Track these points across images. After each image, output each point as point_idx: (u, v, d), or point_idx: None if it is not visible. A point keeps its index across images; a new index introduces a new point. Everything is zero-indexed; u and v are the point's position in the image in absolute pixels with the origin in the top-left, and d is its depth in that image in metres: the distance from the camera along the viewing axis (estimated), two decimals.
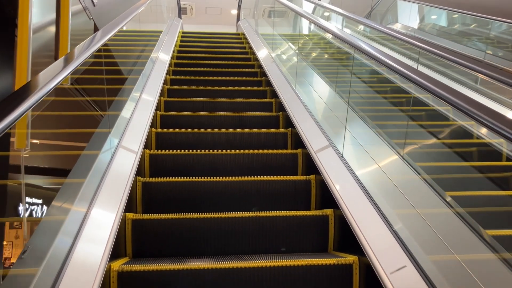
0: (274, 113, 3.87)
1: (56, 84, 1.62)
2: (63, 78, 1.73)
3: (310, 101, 3.63)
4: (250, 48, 6.31)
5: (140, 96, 3.57)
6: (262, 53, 5.60)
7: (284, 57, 5.12)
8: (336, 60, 4.19)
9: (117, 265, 1.88)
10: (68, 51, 3.58)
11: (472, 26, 4.92)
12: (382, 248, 1.84)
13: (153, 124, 3.48)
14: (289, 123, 3.56)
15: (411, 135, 2.37)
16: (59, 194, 1.99)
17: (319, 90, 3.89)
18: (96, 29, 4.66)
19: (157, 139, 3.30)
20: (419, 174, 2.10)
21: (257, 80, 4.84)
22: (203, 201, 2.61)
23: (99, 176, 2.25)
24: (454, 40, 5.13)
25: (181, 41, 6.73)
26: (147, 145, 3.13)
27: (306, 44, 4.91)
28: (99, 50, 2.44)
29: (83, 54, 2.12)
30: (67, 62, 1.94)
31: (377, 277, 1.74)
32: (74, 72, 1.92)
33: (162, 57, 5.02)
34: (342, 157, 2.60)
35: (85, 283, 1.59)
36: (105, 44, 2.59)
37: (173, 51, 5.71)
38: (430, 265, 1.66)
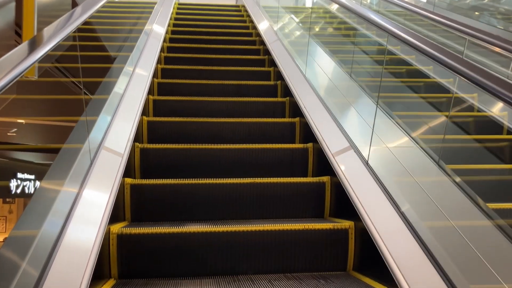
0: (272, 83, 3.85)
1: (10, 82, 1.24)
2: (22, 72, 1.33)
3: (316, 82, 3.45)
4: (251, 21, 5.94)
5: (136, 67, 3.53)
6: (263, 26, 5.34)
7: (291, 35, 4.78)
8: (338, 31, 4.09)
9: (117, 228, 1.91)
10: (35, 33, 2.83)
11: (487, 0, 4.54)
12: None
13: (150, 92, 3.45)
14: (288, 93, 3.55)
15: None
16: (58, 158, 1.99)
17: (323, 64, 3.77)
18: (75, 4, 3.91)
19: (155, 107, 3.28)
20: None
21: (260, 59, 4.58)
22: (201, 167, 2.63)
23: (98, 141, 2.25)
24: (468, 15, 4.72)
25: (177, 13, 6.42)
26: (144, 113, 3.11)
27: (315, 19, 4.69)
28: (80, 30, 2.07)
29: (55, 36, 1.70)
30: (32, 47, 1.54)
31: (372, 242, 1.78)
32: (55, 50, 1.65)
33: (156, 29, 4.81)
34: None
35: (85, 243, 1.62)
36: (87, 22, 2.24)
37: (168, 25, 5.38)
38: (425, 231, 1.69)
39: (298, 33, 4.54)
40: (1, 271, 1.28)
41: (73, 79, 2.54)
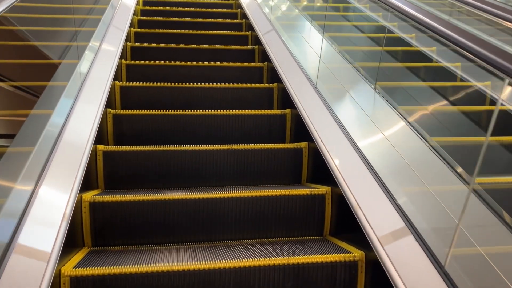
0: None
1: None
2: None
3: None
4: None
5: (107, 29, 3.38)
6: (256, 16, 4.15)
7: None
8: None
9: (89, 196, 1.86)
10: None
11: None
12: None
13: (122, 56, 3.32)
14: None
15: None
16: (26, 124, 1.89)
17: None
18: None
19: (128, 72, 3.17)
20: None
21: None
22: (176, 134, 2.57)
23: (68, 106, 2.15)
24: None
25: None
26: (117, 77, 3.00)
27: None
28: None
29: None
30: None
31: (348, 206, 1.77)
32: None
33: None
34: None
35: (55, 211, 1.56)
36: None
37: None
38: (402, 196, 1.69)
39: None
40: None
41: (70, 43, 2.35)
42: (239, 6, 4.77)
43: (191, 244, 1.89)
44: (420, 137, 1.76)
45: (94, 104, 2.36)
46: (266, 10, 3.92)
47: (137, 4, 4.48)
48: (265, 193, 1.95)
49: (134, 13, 4.21)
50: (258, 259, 1.60)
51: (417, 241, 1.48)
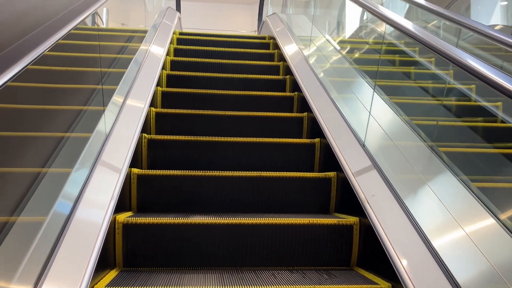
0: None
1: None
2: None
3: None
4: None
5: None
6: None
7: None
8: None
9: (122, 217, 1.92)
10: None
11: None
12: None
13: (159, 84, 3.46)
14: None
15: None
16: (66, 147, 1.99)
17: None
18: None
19: (163, 99, 3.30)
20: None
21: None
22: (208, 159, 2.64)
23: (110, 123, 2.26)
24: None
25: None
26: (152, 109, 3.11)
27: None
28: None
29: None
30: None
31: (376, 237, 1.77)
32: None
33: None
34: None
35: (91, 231, 1.63)
36: None
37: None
38: (432, 230, 1.67)
39: None
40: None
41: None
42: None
43: (219, 268, 1.92)
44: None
45: (131, 127, 2.47)
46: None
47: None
48: (293, 221, 1.97)
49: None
50: (285, 286, 1.61)
51: (445, 275, 1.46)
